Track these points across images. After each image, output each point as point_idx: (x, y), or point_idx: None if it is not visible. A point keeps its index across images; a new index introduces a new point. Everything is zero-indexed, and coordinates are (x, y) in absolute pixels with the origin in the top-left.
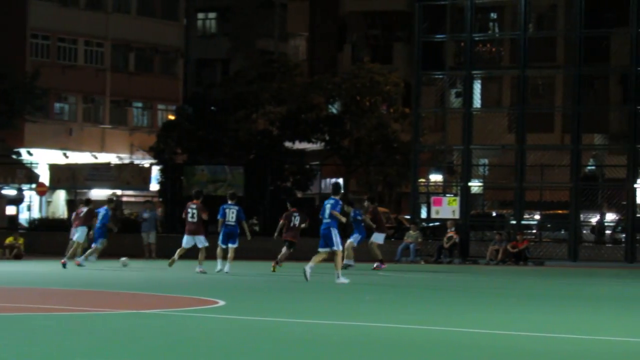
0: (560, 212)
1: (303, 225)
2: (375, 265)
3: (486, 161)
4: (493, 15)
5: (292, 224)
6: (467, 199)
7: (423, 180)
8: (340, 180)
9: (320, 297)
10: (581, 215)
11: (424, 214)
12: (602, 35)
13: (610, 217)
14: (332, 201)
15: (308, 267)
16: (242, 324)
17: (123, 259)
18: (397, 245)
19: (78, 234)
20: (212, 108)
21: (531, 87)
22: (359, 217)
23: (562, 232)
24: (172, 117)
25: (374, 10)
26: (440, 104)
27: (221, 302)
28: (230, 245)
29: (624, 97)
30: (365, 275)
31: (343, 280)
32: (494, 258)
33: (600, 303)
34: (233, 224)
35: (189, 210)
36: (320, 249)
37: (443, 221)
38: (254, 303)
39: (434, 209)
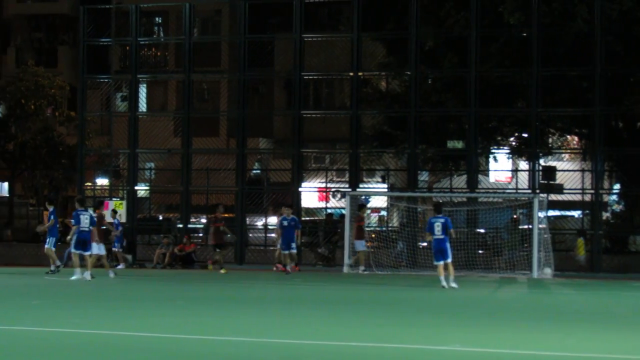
0: (226, 215)
1: None
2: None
3: (152, 165)
4: (158, 20)
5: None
6: (133, 202)
7: (90, 184)
8: (4, 184)
9: None
10: (247, 219)
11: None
12: (266, 40)
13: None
14: (442, 219)
15: (451, 281)
16: None
17: None
18: (64, 250)
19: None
20: None
21: (196, 92)
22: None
23: (229, 235)
24: None
25: (38, 14)
26: (106, 107)
27: None
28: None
29: (288, 101)
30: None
31: (454, 284)
32: (161, 262)
33: (265, 305)
34: (87, 229)
35: None
36: (435, 262)
37: (110, 225)
38: None
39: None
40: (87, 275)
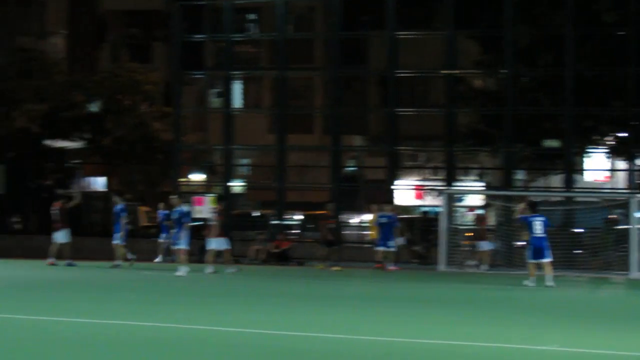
0: (321, 212)
1: None
2: None
3: (247, 161)
4: (252, 16)
5: None
6: (228, 199)
7: (185, 179)
8: (101, 179)
9: (84, 295)
10: (342, 216)
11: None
12: (359, 37)
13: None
14: (542, 218)
15: (548, 280)
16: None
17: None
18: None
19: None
20: None
21: (291, 89)
22: None
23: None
24: None
25: (133, 10)
26: (200, 103)
27: None
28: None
29: (382, 99)
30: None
31: (551, 283)
32: (256, 258)
33: (359, 302)
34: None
35: None
36: (530, 260)
37: (205, 221)
38: (12, 300)
39: (195, 208)
40: (184, 271)
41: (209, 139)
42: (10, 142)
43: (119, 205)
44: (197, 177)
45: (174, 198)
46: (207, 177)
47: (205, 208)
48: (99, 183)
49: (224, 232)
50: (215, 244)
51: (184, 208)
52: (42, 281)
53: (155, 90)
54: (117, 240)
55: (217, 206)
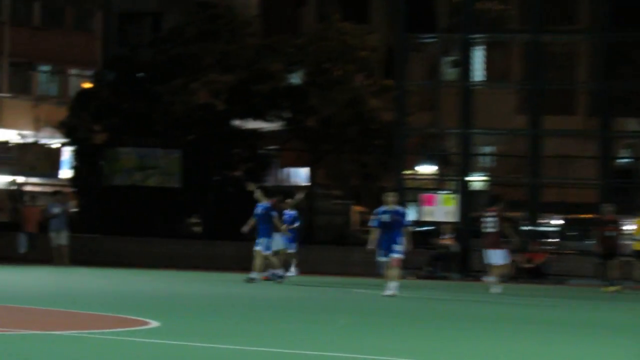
0: (587, 216)
1: None
2: None
3: (491, 149)
4: None
5: None
6: (467, 197)
7: (410, 172)
8: (304, 170)
9: (283, 319)
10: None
11: (412, 216)
12: None
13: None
14: None
15: None
16: (180, 351)
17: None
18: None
19: None
20: (140, 74)
21: (547, 57)
22: None
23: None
24: (88, 85)
25: None
26: (431, 75)
27: (154, 323)
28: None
29: None
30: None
31: None
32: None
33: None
34: None
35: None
36: None
37: (437, 225)
38: (196, 325)
39: (424, 209)
40: (393, 288)
41: (442, 121)
42: (189, 122)
43: (264, 204)
44: (426, 169)
45: (389, 195)
46: (439, 169)
47: (438, 209)
48: (301, 175)
49: (500, 242)
50: (497, 257)
51: (405, 209)
52: (232, 299)
53: (374, 57)
54: (268, 249)
55: (496, 208)
